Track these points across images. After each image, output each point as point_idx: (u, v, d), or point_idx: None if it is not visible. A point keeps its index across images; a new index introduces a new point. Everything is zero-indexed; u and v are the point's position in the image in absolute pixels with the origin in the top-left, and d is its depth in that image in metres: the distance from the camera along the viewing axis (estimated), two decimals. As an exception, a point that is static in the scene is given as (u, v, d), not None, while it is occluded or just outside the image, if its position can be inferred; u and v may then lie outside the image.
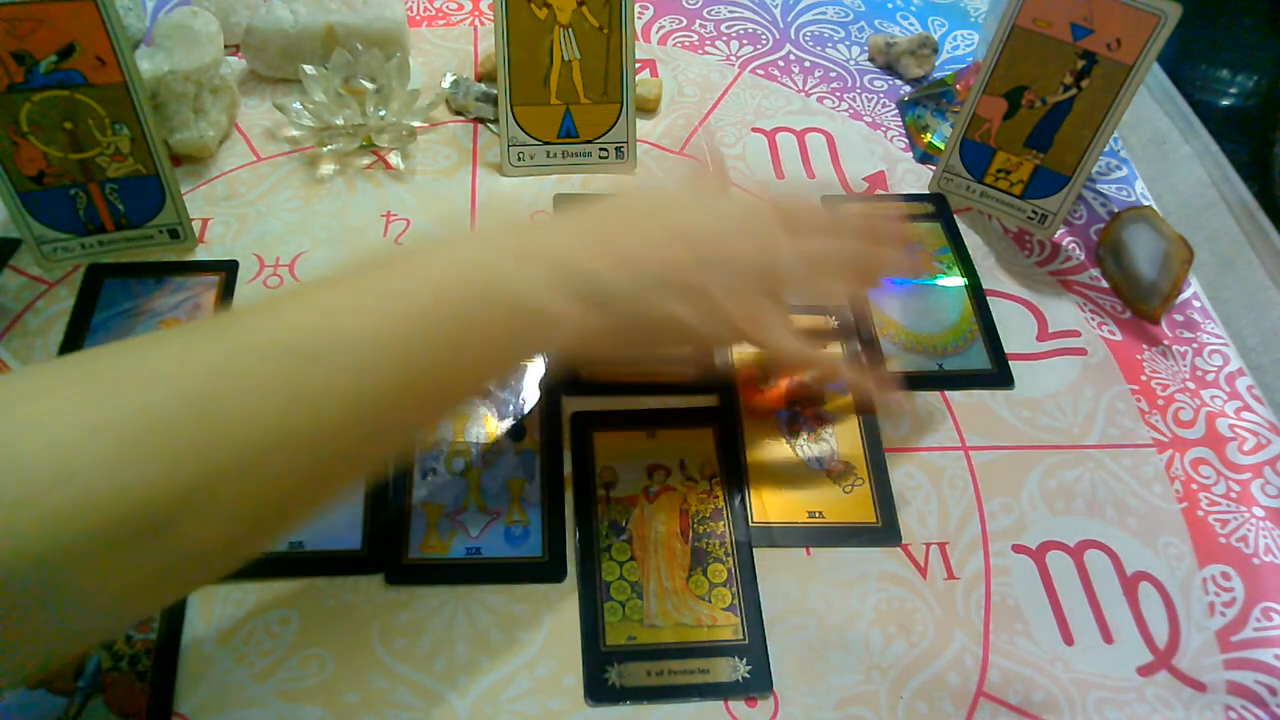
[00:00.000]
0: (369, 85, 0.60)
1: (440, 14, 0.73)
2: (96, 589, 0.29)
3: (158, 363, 0.31)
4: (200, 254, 0.55)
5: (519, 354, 0.40)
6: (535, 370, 0.51)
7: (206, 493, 0.29)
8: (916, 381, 0.53)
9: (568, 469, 0.48)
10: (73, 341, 0.50)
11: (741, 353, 0.53)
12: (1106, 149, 0.61)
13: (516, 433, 0.49)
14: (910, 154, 0.66)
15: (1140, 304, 0.57)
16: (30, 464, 0.27)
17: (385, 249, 0.40)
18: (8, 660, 0.28)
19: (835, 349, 0.54)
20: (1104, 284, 0.59)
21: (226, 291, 0.53)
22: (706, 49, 0.72)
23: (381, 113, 0.60)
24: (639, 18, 0.74)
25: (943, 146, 0.64)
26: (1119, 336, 0.56)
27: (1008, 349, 0.55)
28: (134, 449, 0.28)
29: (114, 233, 0.54)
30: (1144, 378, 0.54)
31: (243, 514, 0.31)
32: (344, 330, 0.33)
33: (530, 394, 0.50)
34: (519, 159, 0.61)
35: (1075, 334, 0.56)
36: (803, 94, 0.70)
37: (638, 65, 0.68)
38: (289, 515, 0.34)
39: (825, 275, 0.46)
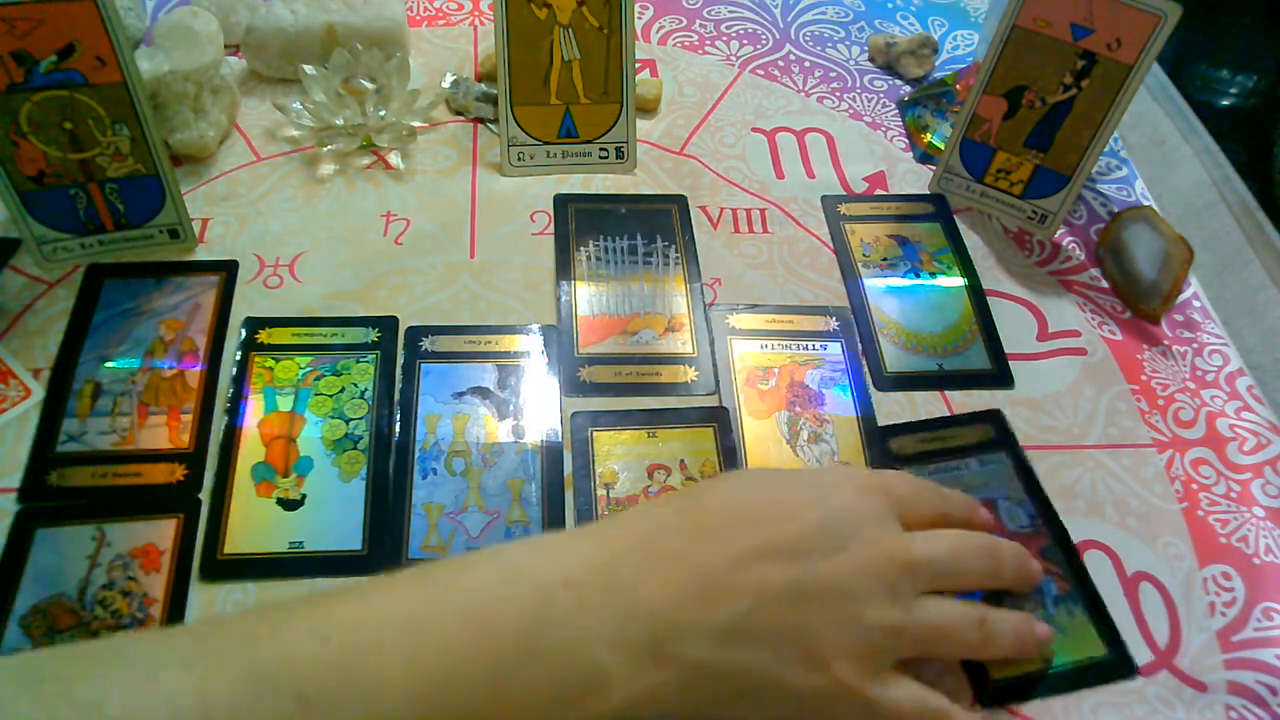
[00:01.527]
0: (369, 85, 0.60)
1: (440, 14, 0.73)
2: None
3: (143, 690, 0.27)
4: (200, 254, 0.55)
5: (562, 715, 0.31)
6: (535, 371, 0.51)
7: None
8: (916, 381, 0.53)
9: (568, 469, 0.48)
10: (73, 342, 0.50)
11: (744, 353, 0.53)
12: (1106, 149, 0.61)
13: (517, 433, 0.49)
14: (910, 154, 0.66)
15: (1140, 304, 0.57)
16: None
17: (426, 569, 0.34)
18: None
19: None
20: (1104, 284, 0.59)
21: (226, 291, 0.53)
22: (706, 49, 0.72)
23: (381, 113, 0.60)
24: (639, 18, 0.74)
25: (943, 146, 0.64)
26: (1119, 336, 0.56)
27: (1008, 349, 0.55)
28: None
29: (114, 233, 0.54)
30: (1144, 378, 0.54)
31: None
32: (353, 670, 0.28)
33: (530, 394, 0.50)
34: (519, 159, 0.61)
35: (1075, 334, 0.56)
36: (803, 94, 0.70)
37: (638, 65, 0.68)
38: None
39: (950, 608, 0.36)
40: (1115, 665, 0.43)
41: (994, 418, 0.51)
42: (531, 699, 0.30)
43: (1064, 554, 0.46)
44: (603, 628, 0.31)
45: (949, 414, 0.51)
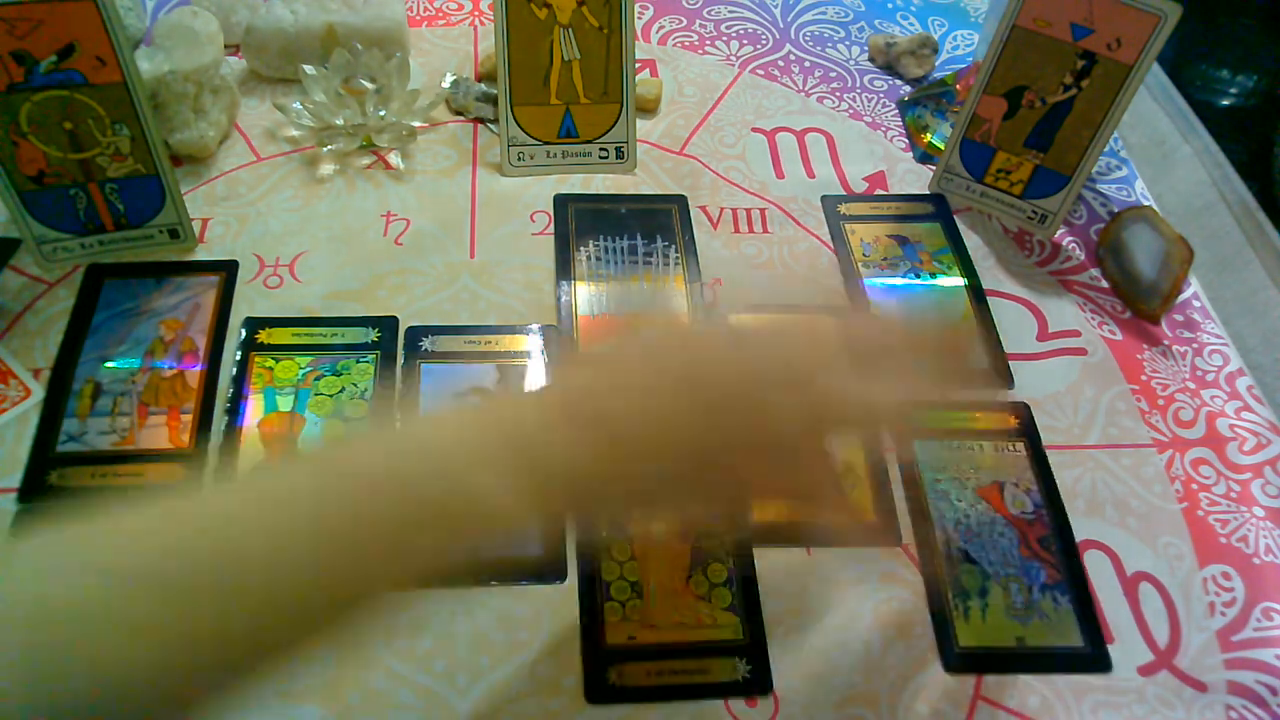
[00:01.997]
0: (369, 85, 0.60)
1: (440, 14, 0.73)
2: None
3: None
4: (200, 254, 0.55)
5: (454, 536, 0.32)
6: (535, 372, 0.51)
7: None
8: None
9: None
10: (73, 342, 0.50)
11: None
12: (1106, 149, 0.61)
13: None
14: (910, 154, 0.66)
15: (1140, 304, 0.57)
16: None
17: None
18: None
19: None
20: (1104, 284, 0.59)
21: (226, 291, 0.53)
22: (706, 49, 0.72)
23: (381, 113, 0.60)
24: (639, 18, 0.74)
25: (943, 146, 0.64)
26: (1119, 336, 0.56)
27: (1008, 349, 0.55)
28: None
29: (114, 233, 0.54)
30: (1144, 378, 0.54)
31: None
32: (261, 491, 0.31)
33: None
34: (519, 159, 0.61)
35: (1075, 334, 0.56)
36: (803, 94, 0.69)
37: (638, 65, 0.68)
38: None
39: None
40: (1090, 658, 0.44)
41: (1021, 411, 0.52)
42: (417, 517, 0.31)
43: (1061, 547, 0.46)
44: (496, 465, 0.31)
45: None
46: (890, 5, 0.78)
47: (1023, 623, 0.44)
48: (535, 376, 0.51)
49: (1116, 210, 0.61)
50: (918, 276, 0.58)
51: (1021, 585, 0.45)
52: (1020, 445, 0.50)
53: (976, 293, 0.57)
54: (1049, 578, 0.46)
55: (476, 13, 0.73)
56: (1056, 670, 0.43)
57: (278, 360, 0.50)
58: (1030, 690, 0.42)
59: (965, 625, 0.44)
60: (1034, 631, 0.44)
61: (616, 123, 0.61)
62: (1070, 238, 0.62)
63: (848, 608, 0.44)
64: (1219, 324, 0.58)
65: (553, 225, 0.59)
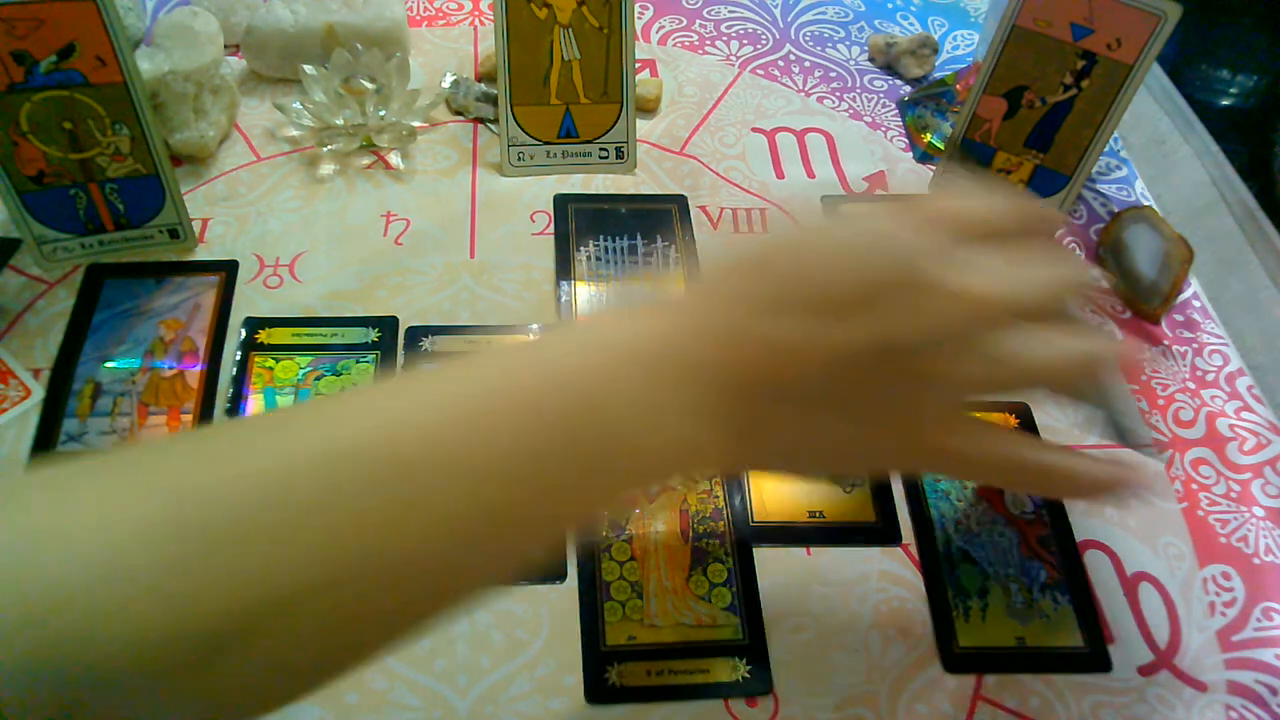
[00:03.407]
0: (369, 85, 0.60)
1: (440, 14, 0.73)
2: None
3: (228, 458, 0.27)
4: (200, 254, 0.55)
5: (619, 481, 0.31)
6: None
7: (264, 623, 0.25)
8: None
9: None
10: (73, 342, 0.50)
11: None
12: (1106, 149, 0.61)
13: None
14: (910, 154, 0.66)
15: (1140, 304, 0.57)
16: (73, 564, 0.24)
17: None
18: None
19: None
20: (1104, 284, 0.59)
21: (226, 291, 0.53)
22: (706, 49, 0.72)
23: (381, 113, 0.60)
24: (639, 18, 0.74)
25: (943, 146, 0.64)
26: (1119, 336, 0.56)
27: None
28: (190, 561, 0.25)
29: (114, 233, 0.54)
30: (1144, 378, 0.54)
31: (297, 650, 0.27)
32: (436, 441, 0.28)
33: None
34: (519, 159, 0.61)
35: (1075, 334, 0.56)
36: (803, 94, 0.70)
37: (638, 65, 0.68)
38: (355, 651, 0.29)
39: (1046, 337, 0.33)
40: (1090, 658, 0.44)
41: (1021, 411, 0.52)
42: (599, 465, 0.30)
43: (1061, 547, 0.46)
44: (676, 399, 0.31)
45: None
46: (890, 5, 0.78)
47: (1023, 623, 0.44)
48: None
49: (1116, 210, 0.61)
50: (918, 276, 0.58)
51: (1021, 585, 0.45)
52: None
53: (976, 293, 0.57)
54: (1049, 578, 0.46)
55: (476, 13, 0.73)
56: (1056, 670, 0.43)
57: (278, 360, 0.50)
58: (1030, 690, 0.42)
59: (965, 625, 0.44)
60: (1034, 631, 0.44)
61: (616, 123, 0.62)
62: (1070, 238, 0.62)
63: (848, 608, 0.44)
64: (1219, 324, 0.58)
65: (553, 225, 0.59)
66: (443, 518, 0.28)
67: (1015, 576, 0.45)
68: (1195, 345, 0.56)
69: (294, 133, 0.62)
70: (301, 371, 0.50)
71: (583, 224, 0.58)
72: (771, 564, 0.45)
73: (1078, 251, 0.60)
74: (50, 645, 0.23)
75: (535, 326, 0.53)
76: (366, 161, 0.61)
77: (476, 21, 0.73)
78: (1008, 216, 0.36)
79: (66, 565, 0.24)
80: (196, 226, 0.56)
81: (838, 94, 0.70)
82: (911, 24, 0.76)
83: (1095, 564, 0.47)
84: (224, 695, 0.26)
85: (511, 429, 0.29)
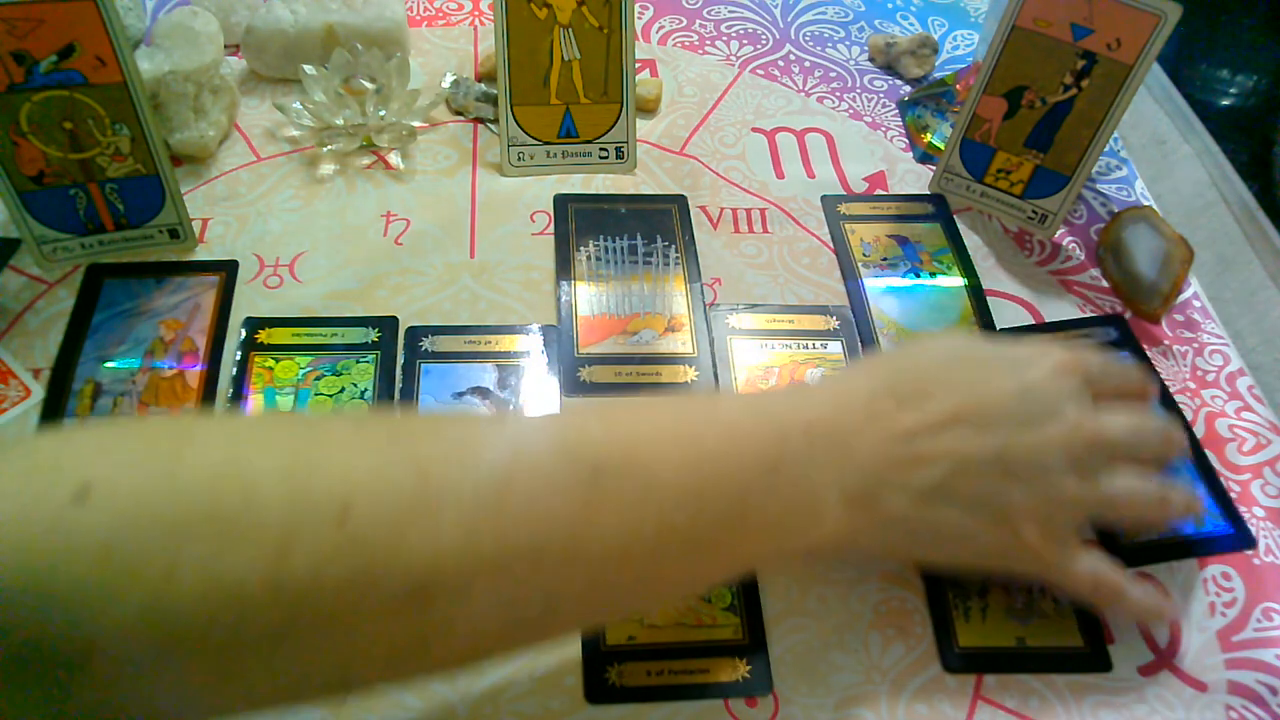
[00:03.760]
0: (369, 85, 0.60)
1: (440, 14, 0.73)
2: (338, 646, 0.28)
3: (463, 433, 0.32)
4: (200, 254, 0.55)
5: (785, 542, 0.36)
6: (535, 371, 0.51)
7: (482, 578, 0.29)
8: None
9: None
10: (73, 342, 0.50)
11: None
12: (1106, 149, 0.61)
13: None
14: (910, 154, 0.66)
15: (1141, 304, 0.57)
16: (329, 484, 0.28)
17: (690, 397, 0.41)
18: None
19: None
20: (1104, 284, 0.59)
21: (226, 291, 0.53)
22: (706, 49, 0.72)
23: (381, 113, 0.60)
24: (639, 18, 0.74)
25: (943, 146, 0.64)
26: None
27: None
28: (428, 498, 0.28)
29: (114, 233, 0.54)
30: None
31: (504, 611, 0.30)
32: (635, 456, 0.32)
33: (530, 394, 0.50)
34: (519, 159, 0.61)
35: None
36: (803, 94, 0.70)
37: (638, 65, 0.68)
38: (540, 627, 0.33)
39: (1135, 481, 0.39)
40: (1090, 658, 0.44)
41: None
42: (764, 520, 0.34)
43: None
44: (827, 472, 0.35)
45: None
46: (890, 5, 0.78)
47: (1023, 623, 0.44)
48: (539, 378, 0.51)
49: (1116, 210, 0.61)
50: (918, 276, 0.58)
51: (1021, 585, 0.45)
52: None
53: (976, 293, 0.57)
54: None
55: (476, 13, 0.73)
56: (1056, 670, 0.43)
57: (278, 360, 0.50)
58: (1030, 690, 0.42)
59: (965, 625, 0.44)
60: (1034, 631, 0.44)
61: (616, 123, 0.62)
62: (1070, 238, 0.62)
63: (848, 608, 0.44)
64: (1219, 324, 0.58)
65: (553, 225, 0.59)
66: (639, 529, 0.32)
67: None
68: (1196, 345, 0.56)
69: (294, 133, 0.62)
70: (301, 371, 0.50)
71: (583, 224, 0.59)
72: (771, 564, 0.45)
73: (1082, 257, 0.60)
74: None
75: (535, 327, 0.53)
76: (366, 161, 0.61)
77: (476, 21, 0.73)
78: (1124, 375, 0.43)
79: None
80: (196, 226, 0.56)
81: (838, 94, 0.70)
82: (911, 24, 0.76)
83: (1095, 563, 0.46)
84: (432, 640, 0.29)
85: (720, 476, 0.33)
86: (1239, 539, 0.46)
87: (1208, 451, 0.51)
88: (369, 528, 0.27)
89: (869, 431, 0.36)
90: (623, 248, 0.57)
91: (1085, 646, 0.44)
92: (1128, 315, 0.57)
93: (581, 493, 0.31)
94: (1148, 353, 0.55)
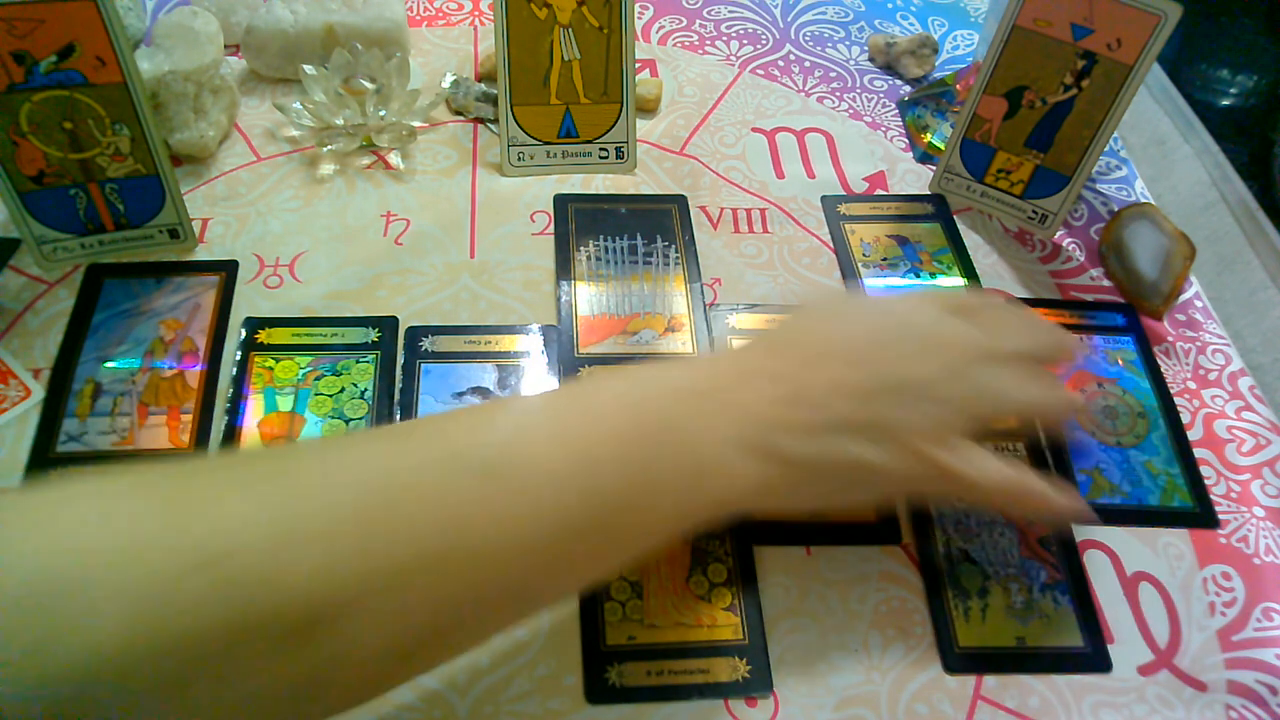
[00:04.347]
0: (369, 85, 0.60)
1: (440, 14, 0.73)
2: (231, 695, 0.27)
3: (333, 461, 0.31)
4: (200, 254, 0.55)
5: (692, 509, 0.36)
6: (535, 371, 0.51)
7: (366, 599, 0.28)
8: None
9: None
10: (73, 342, 0.50)
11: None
12: (1106, 149, 0.61)
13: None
14: (910, 154, 0.66)
15: (1143, 301, 0.57)
16: (195, 530, 0.27)
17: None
18: None
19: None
20: (1105, 283, 0.59)
21: (226, 291, 0.53)
22: (706, 49, 0.72)
23: (381, 113, 0.60)
24: (639, 18, 0.74)
25: (943, 146, 0.64)
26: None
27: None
28: (295, 537, 0.28)
29: (114, 233, 0.54)
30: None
31: (399, 629, 0.29)
32: (523, 453, 0.32)
33: (530, 394, 0.50)
34: (519, 159, 0.61)
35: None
36: (803, 94, 0.70)
37: (638, 65, 0.68)
38: (446, 639, 0.32)
39: (1020, 375, 0.40)
40: (1090, 658, 0.44)
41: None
42: (662, 484, 0.35)
43: (1061, 546, 0.46)
44: (721, 428, 0.35)
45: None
46: (890, 5, 0.78)
47: (1023, 623, 0.44)
48: (538, 377, 0.51)
49: (1117, 210, 0.61)
50: (918, 276, 0.58)
51: (1021, 585, 0.45)
52: (1020, 445, 0.50)
53: (976, 293, 0.57)
54: (1049, 578, 0.46)
55: (476, 13, 0.73)
56: (1056, 670, 0.43)
57: (278, 360, 0.50)
58: (1030, 690, 0.42)
59: (965, 625, 0.44)
60: (1034, 631, 0.44)
61: (616, 123, 0.62)
62: (1071, 238, 0.62)
63: (848, 608, 0.44)
64: (1220, 324, 0.58)
65: (553, 225, 0.59)
66: (536, 518, 0.32)
67: (1015, 576, 0.45)
68: (1198, 344, 0.56)
69: (294, 133, 0.62)
70: (301, 371, 0.50)
71: (583, 224, 0.58)
72: (771, 564, 0.45)
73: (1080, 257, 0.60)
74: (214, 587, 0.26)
75: (535, 327, 0.53)
76: (366, 161, 0.61)
77: (476, 21, 0.73)
78: (995, 303, 0.44)
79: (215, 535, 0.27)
80: (196, 226, 0.56)
81: (838, 94, 0.70)
82: (911, 24, 0.76)
83: (1095, 564, 0.47)
84: (329, 673, 0.28)
85: (601, 451, 0.34)
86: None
87: (1205, 451, 0.51)
88: (240, 570, 0.27)
89: (754, 383, 0.37)
90: (623, 248, 0.57)
91: (1085, 646, 0.44)
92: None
93: (476, 493, 0.31)
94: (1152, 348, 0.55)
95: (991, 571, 0.46)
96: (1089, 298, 0.58)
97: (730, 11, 0.76)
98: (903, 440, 0.37)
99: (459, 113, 0.65)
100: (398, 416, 0.48)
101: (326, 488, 0.30)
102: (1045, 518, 0.46)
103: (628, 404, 0.36)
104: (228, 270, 0.54)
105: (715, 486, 0.36)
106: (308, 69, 0.59)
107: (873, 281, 0.57)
